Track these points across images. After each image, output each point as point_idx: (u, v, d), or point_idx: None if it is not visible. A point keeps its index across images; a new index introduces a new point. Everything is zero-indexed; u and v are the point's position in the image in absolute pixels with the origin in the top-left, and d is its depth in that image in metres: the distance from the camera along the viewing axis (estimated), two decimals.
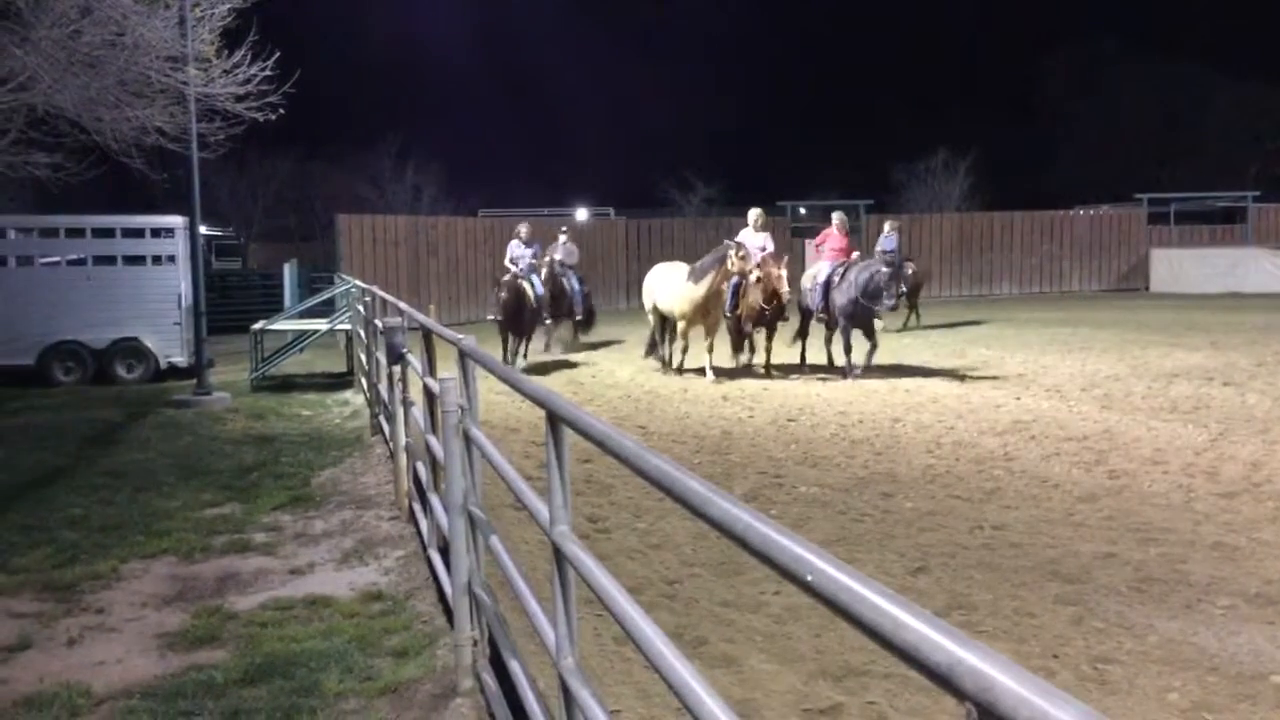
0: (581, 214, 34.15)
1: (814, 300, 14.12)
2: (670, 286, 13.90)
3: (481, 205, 32.63)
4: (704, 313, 13.39)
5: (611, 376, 14.04)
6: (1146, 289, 29.94)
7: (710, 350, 13.66)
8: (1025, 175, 42.64)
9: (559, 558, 2.62)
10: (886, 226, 20.64)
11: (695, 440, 9.52)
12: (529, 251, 15.57)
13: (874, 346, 13.55)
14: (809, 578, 1.35)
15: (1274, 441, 8.80)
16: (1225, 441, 8.85)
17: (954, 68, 53.47)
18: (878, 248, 18.45)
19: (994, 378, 12.93)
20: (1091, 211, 32.51)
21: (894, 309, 13.74)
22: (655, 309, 14.35)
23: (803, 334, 14.55)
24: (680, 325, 13.77)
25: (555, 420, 2.70)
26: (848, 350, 13.52)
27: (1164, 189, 33.55)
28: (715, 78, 50.80)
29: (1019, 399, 11.25)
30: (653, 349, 14.70)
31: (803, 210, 32.40)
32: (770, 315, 13.49)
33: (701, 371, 13.64)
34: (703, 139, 46.26)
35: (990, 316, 22.00)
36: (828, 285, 13.83)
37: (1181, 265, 29.44)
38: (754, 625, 4.63)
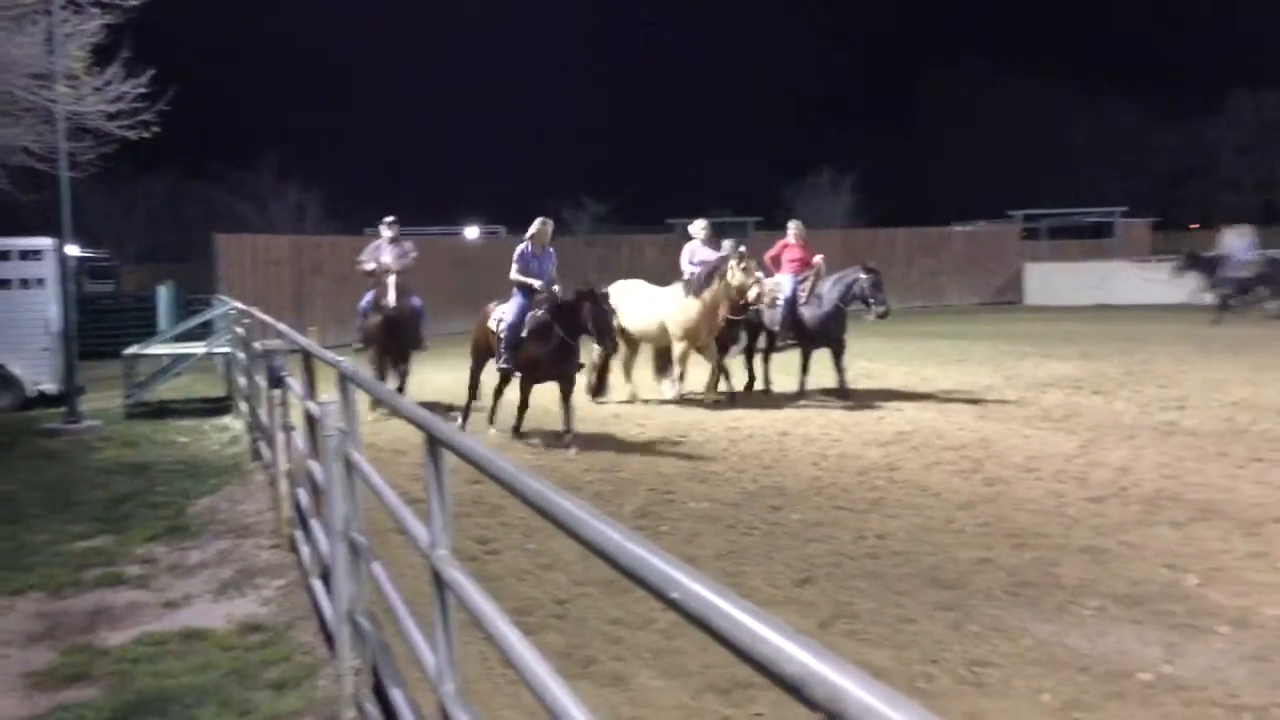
0: (472, 233, 33.90)
1: (775, 317, 12.94)
2: (650, 305, 12.74)
3: (369, 224, 32.14)
4: (701, 330, 12.23)
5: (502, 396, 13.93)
6: (1021, 302, 31.02)
7: (682, 368, 12.74)
8: (906, 192, 43.83)
9: (439, 582, 2.59)
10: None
11: (586, 458, 9.51)
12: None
13: (843, 369, 12.71)
14: (674, 595, 1.37)
15: (1140, 447, 9.19)
16: (1094, 448, 9.20)
17: (840, 87, 54.78)
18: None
19: (877, 390, 13.22)
20: (968, 228, 33.60)
21: (884, 316, 12.49)
22: (620, 331, 12.59)
23: (750, 352, 13.65)
24: (679, 347, 12.50)
25: (434, 443, 2.67)
26: (806, 371, 12.82)
27: (1036, 206, 34.84)
28: (606, 96, 51.08)
29: (901, 410, 11.53)
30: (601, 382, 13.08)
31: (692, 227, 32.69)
32: (728, 333, 12.60)
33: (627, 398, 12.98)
34: (594, 157, 46.46)
35: (872, 330, 22.52)
36: (793, 301, 12.80)
37: (1053, 279, 30.57)
38: (643, 642, 4.64)
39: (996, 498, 7.60)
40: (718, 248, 12.96)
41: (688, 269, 12.76)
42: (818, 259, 13.22)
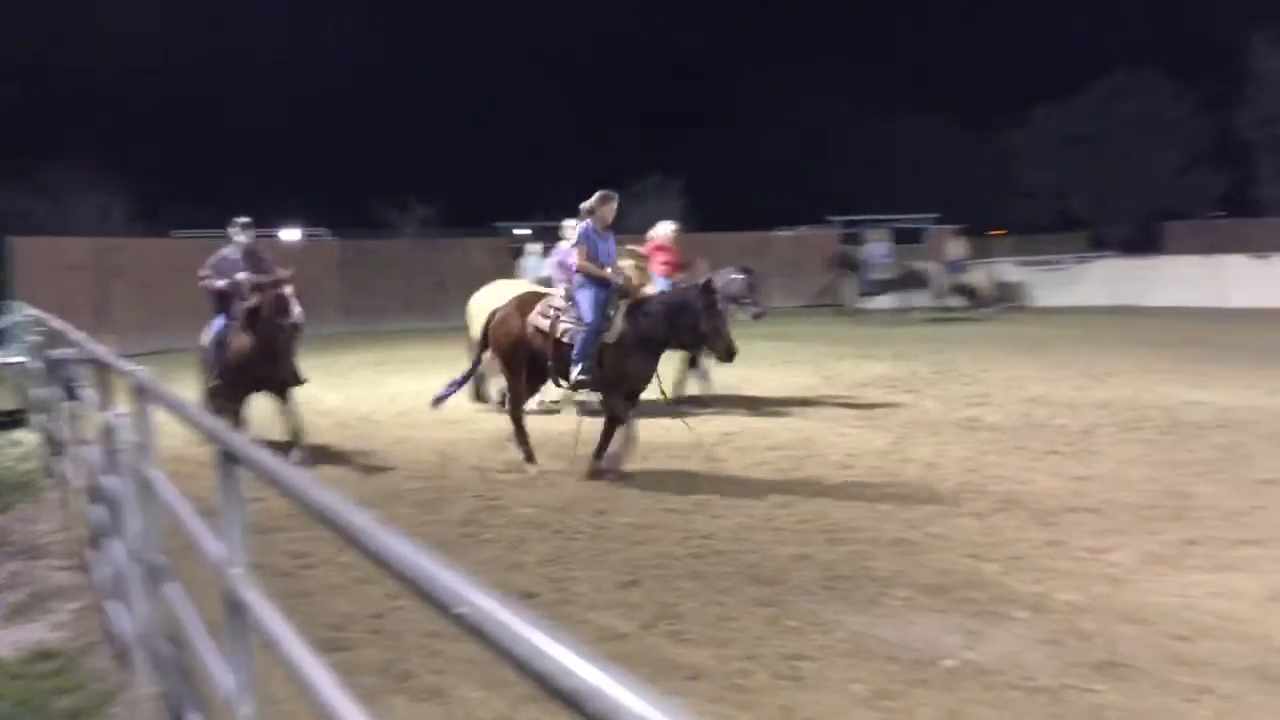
0: (294, 234, 32.82)
1: None
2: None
3: (182, 225, 30.68)
4: None
5: (321, 403, 13.52)
6: (842, 305, 32.12)
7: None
8: (733, 197, 44.76)
9: (234, 601, 2.47)
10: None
11: (411, 466, 9.32)
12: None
13: (704, 373, 12.46)
14: (461, 610, 1.33)
15: (946, 443, 9.63)
16: (905, 444, 9.59)
17: (667, 92, 55.49)
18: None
19: (702, 392, 13.41)
20: (791, 233, 34.60)
21: (760, 317, 12.33)
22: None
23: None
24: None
25: (226, 457, 2.55)
26: (686, 374, 12.52)
27: (856, 212, 36.15)
28: (431, 97, 50.31)
29: (727, 412, 11.74)
30: (479, 386, 12.23)
31: (519, 232, 32.63)
32: None
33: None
34: (419, 159, 45.67)
35: None
36: None
37: (973, 279, 31.76)
38: (461, 653, 4.55)
39: (815, 495, 7.81)
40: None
41: (556, 271, 12.32)
42: (697, 261, 12.82)
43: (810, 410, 11.76)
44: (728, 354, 8.28)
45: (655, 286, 11.87)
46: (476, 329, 11.48)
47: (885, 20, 54.30)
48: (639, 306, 8.49)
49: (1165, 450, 9.05)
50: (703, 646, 4.86)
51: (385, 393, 14.37)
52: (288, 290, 9.25)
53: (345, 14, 49.97)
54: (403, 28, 50.53)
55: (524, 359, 8.86)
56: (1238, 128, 39.33)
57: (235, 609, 2.48)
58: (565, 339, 8.54)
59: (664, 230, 12.88)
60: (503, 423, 11.38)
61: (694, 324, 8.19)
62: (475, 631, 1.31)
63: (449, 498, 8.05)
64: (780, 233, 34.49)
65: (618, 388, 8.45)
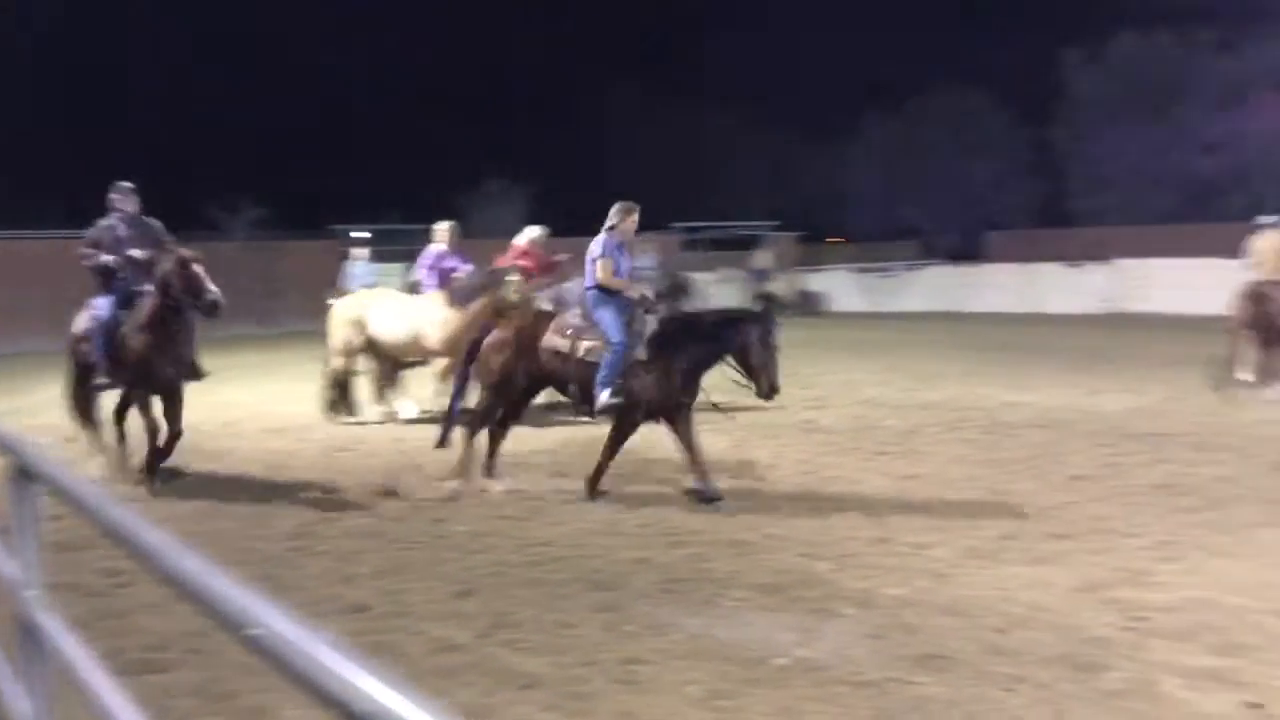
0: None
1: None
2: (404, 316, 11.38)
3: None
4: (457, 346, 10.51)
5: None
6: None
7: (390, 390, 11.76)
8: (581, 203, 44.77)
9: (27, 625, 2.32)
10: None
11: (239, 478, 8.97)
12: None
13: None
14: (254, 631, 1.26)
15: (784, 445, 9.85)
16: (745, 447, 9.77)
17: (514, 96, 55.17)
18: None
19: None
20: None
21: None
22: (367, 344, 11.53)
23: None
24: (439, 363, 11.07)
25: (20, 472, 2.39)
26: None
27: (699, 219, 36.70)
28: (257, 93, 48.61)
29: (571, 417, 11.67)
30: (341, 397, 11.78)
31: (356, 235, 31.84)
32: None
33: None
34: (250, 159, 44.07)
35: None
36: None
37: (709, 289, 32.35)
38: None
39: (656, 498, 7.87)
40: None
41: (426, 275, 11.95)
42: (562, 267, 12.44)
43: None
44: (771, 393, 7.66)
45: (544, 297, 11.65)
46: (339, 338, 11.43)
47: (726, 28, 55.33)
48: (681, 323, 8.09)
49: (985, 449, 9.48)
50: (540, 654, 4.83)
51: (212, 401, 13.76)
52: (197, 266, 8.07)
53: (170, 7, 47.82)
54: (228, 25, 48.67)
55: (520, 385, 8.25)
56: (1052, 142, 41.66)
57: (29, 633, 2.33)
58: (590, 359, 7.85)
59: (530, 235, 12.63)
60: (339, 432, 11.10)
61: (744, 353, 7.64)
62: (267, 654, 1.25)
63: (279, 510, 7.76)
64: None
65: (642, 407, 7.84)
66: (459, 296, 11.13)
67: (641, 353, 7.75)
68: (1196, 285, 21.51)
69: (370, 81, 52.19)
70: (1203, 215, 33.88)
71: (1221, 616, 5.11)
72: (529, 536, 6.89)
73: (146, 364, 8.15)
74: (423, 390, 12.01)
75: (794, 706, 4.21)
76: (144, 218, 8.95)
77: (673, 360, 7.74)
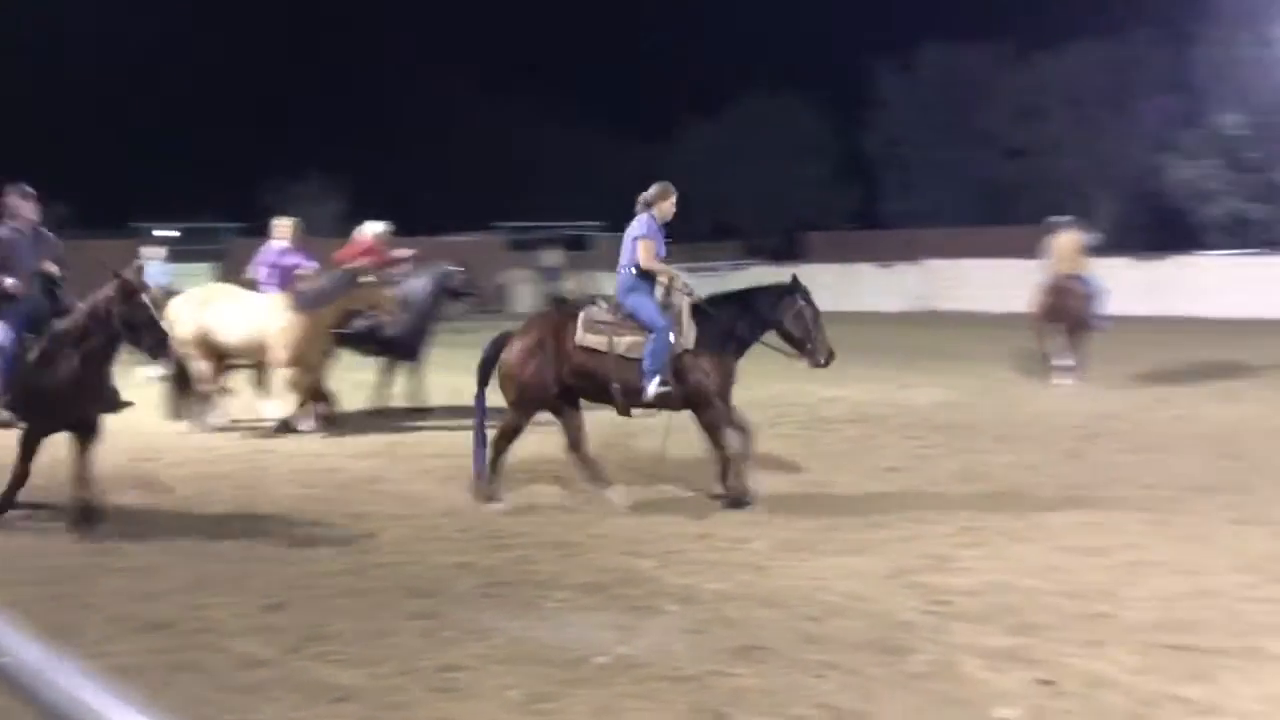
0: None
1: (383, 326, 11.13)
2: (248, 318, 10.55)
3: None
4: (314, 354, 10.37)
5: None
6: (504, 311, 32.40)
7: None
8: (397, 202, 43.91)
9: None
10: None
11: (32, 490, 8.37)
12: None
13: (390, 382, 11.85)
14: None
15: (607, 445, 9.85)
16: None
17: (323, 93, 53.55)
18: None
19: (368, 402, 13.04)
20: (456, 239, 34.49)
21: (481, 308, 12.07)
22: (205, 344, 10.58)
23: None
24: (291, 372, 10.31)
25: None
26: (387, 383, 11.97)
27: (523, 219, 36.57)
28: (61, 84, 45.82)
29: (389, 419, 11.44)
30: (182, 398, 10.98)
31: (161, 234, 30.41)
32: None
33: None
34: (50, 153, 41.46)
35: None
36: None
37: (536, 289, 32.31)
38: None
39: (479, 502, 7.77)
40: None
41: (265, 274, 11.26)
42: (403, 264, 12.15)
43: (470, 416, 11.63)
44: (829, 359, 7.52)
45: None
46: (180, 330, 10.15)
47: (543, 28, 55.35)
48: (719, 306, 7.67)
49: (804, 444, 9.75)
50: (354, 666, 4.69)
51: None
52: (144, 296, 7.00)
53: None
54: (28, 19, 45.66)
55: (554, 395, 7.66)
56: (866, 148, 43.33)
57: None
58: (631, 355, 7.39)
59: (372, 230, 12.22)
60: (139, 441, 10.50)
61: (791, 324, 7.48)
62: (11, 683, 1.15)
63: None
64: (446, 238, 34.31)
65: (716, 397, 7.45)
66: (305, 301, 10.39)
67: (689, 343, 7.40)
68: (1000, 284, 22.75)
69: (165, 74, 49.78)
70: (1005, 218, 35.88)
71: (1018, 598, 5.38)
72: (346, 545, 6.69)
73: (64, 401, 6.96)
74: (246, 398, 11.52)
75: (613, 705, 4.21)
76: (41, 229, 7.86)
77: (725, 345, 7.49)
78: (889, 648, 4.74)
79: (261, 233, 13.41)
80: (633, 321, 7.44)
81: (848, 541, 6.53)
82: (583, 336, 7.49)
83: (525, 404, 7.67)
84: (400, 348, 11.70)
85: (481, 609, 5.42)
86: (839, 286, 28.78)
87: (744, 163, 45.08)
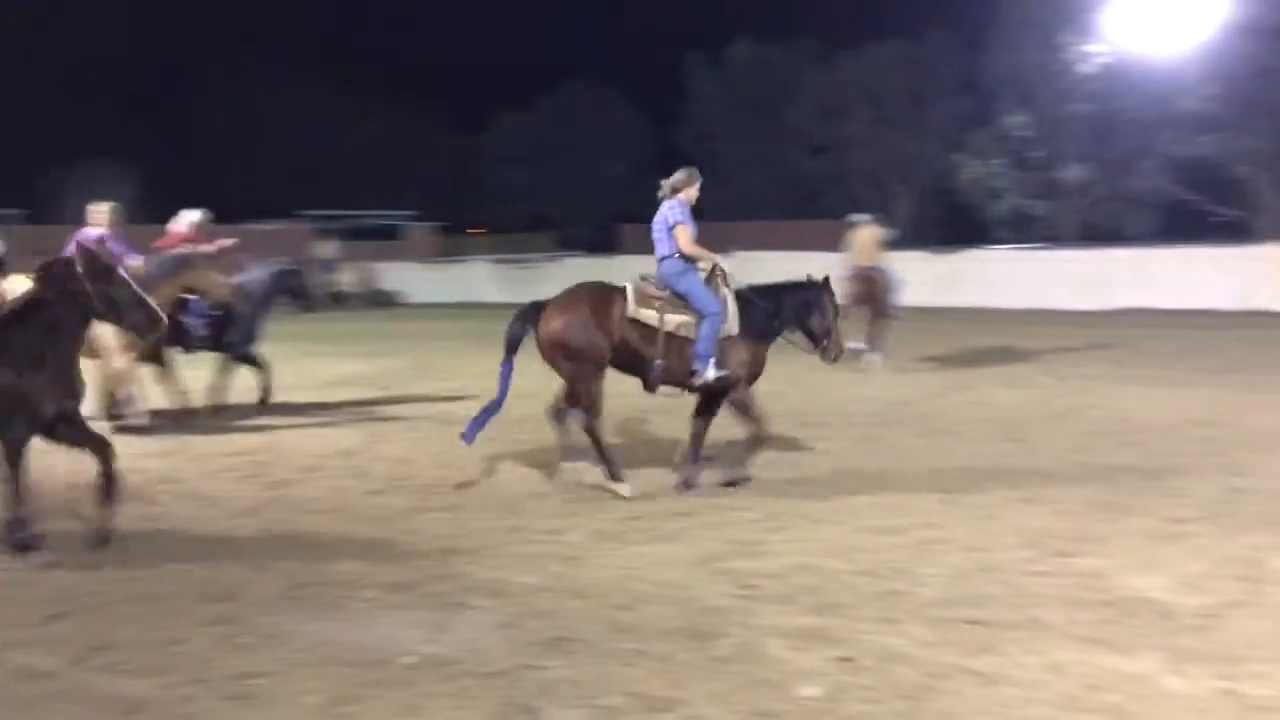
0: None
1: (195, 317, 10.63)
2: None
3: None
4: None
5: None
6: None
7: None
8: (197, 189, 41.83)
9: None
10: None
11: None
12: None
13: (263, 368, 11.34)
14: None
15: (421, 438, 9.70)
16: (379, 442, 9.53)
17: (118, 77, 50.40)
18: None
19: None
20: (263, 227, 33.21)
21: (310, 310, 11.87)
22: None
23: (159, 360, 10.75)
24: (117, 362, 9.51)
25: None
26: (221, 379, 11.23)
27: (333, 207, 35.49)
28: None
29: (179, 418, 10.82)
30: None
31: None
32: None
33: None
34: None
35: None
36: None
37: (344, 279, 31.54)
38: None
39: (280, 500, 7.49)
40: None
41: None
42: (226, 243, 11.43)
43: (279, 411, 11.25)
44: (840, 354, 8.03)
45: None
46: None
47: (358, 17, 53.86)
48: (759, 296, 7.77)
49: (617, 434, 9.77)
50: (144, 676, 4.42)
51: None
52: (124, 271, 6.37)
53: None
54: None
55: (605, 364, 7.56)
56: (678, 141, 44.03)
57: None
58: (682, 333, 7.43)
59: (190, 218, 11.53)
60: None
61: (814, 320, 7.82)
62: None
63: None
64: (251, 226, 33.01)
65: (751, 380, 7.66)
66: (146, 281, 9.68)
67: (734, 329, 7.48)
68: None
69: None
70: (813, 212, 37.15)
71: (820, 579, 5.55)
72: (134, 550, 6.29)
73: (26, 399, 6.07)
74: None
75: (419, 704, 4.11)
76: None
77: (765, 334, 7.71)
78: (697, 633, 4.80)
79: (48, 220, 12.53)
80: (682, 301, 7.49)
81: (657, 530, 6.60)
82: (635, 310, 7.46)
83: (589, 373, 7.55)
84: (229, 343, 11.17)
85: (281, 612, 5.20)
86: None
87: (558, 155, 45.09)
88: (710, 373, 7.43)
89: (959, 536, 6.32)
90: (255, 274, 11.50)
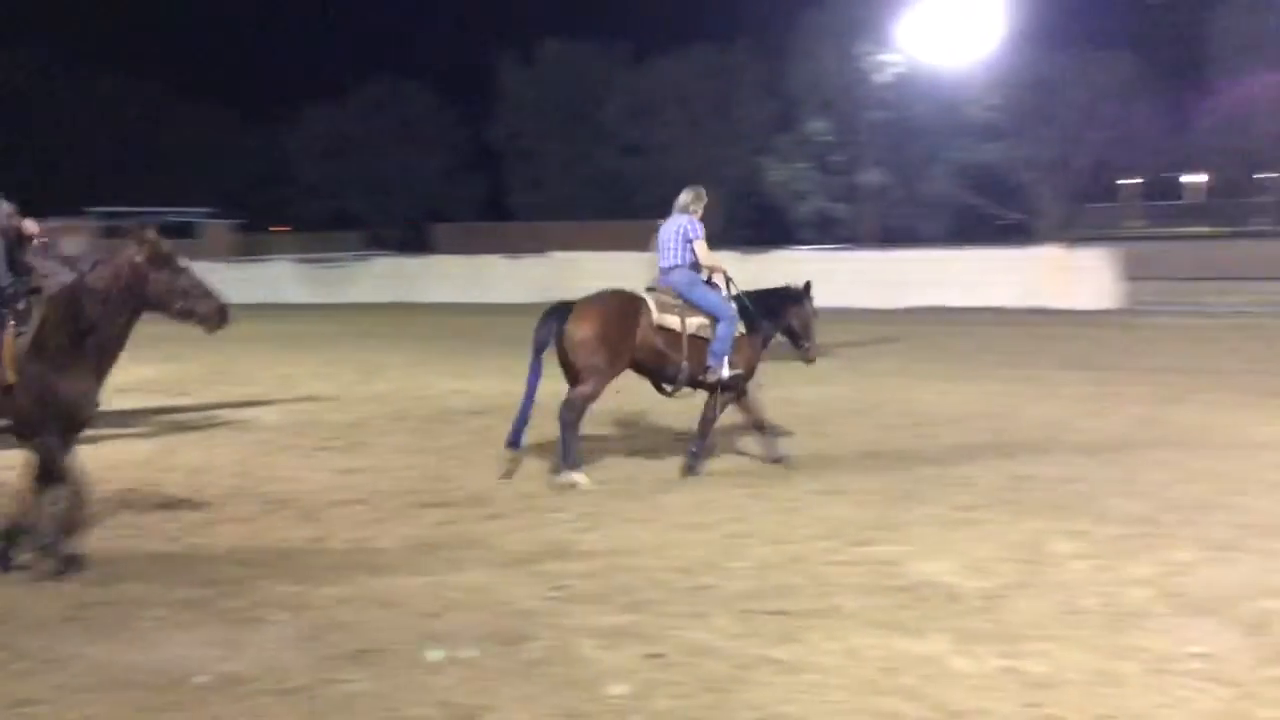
0: None
1: None
2: None
3: None
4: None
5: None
6: None
7: None
8: None
9: None
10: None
11: None
12: None
13: None
14: None
15: (215, 446, 9.31)
16: (170, 452, 9.14)
17: None
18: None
19: None
20: (54, 224, 31.21)
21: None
22: None
23: None
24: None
25: None
26: None
27: (124, 203, 33.56)
28: None
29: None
30: None
31: None
32: None
33: None
34: None
35: None
36: None
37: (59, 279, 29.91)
38: None
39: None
40: None
41: None
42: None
43: None
44: (813, 358, 8.80)
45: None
46: None
47: (172, 7, 51.20)
48: (754, 301, 8.30)
49: (428, 438, 9.65)
50: None
51: None
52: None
53: None
54: None
55: (624, 366, 7.93)
56: (491, 141, 43.69)
57: None
58: (702, 335, 7.91)
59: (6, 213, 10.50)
60: None
61: (799, 322, 8.49)
62: None
63: None
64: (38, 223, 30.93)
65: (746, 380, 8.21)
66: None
67: (742, 328, 8.04)
68: (618, 276, 23.57)
69: None
70: (624, 212, 37.48)
71: (631, 577, 5.58)
72: None
73: (72, 400, 5.73)
74: None
75: None
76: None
77: (768, 334, 8.37)
78: (507, 637, 4.74)
79: None
80: (692, 306, 7.98)
81: (469, 534, 6.51)
82: (660, 316, 7.88)
83: (606, 373, 7.83)
84: None
85: (62, 635, 4.86)
86: (466, 278, 28.84)
87: (366, 151, 44.00)
88: (725, 370, 7.96)
89: (765, 529, 6.48)
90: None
